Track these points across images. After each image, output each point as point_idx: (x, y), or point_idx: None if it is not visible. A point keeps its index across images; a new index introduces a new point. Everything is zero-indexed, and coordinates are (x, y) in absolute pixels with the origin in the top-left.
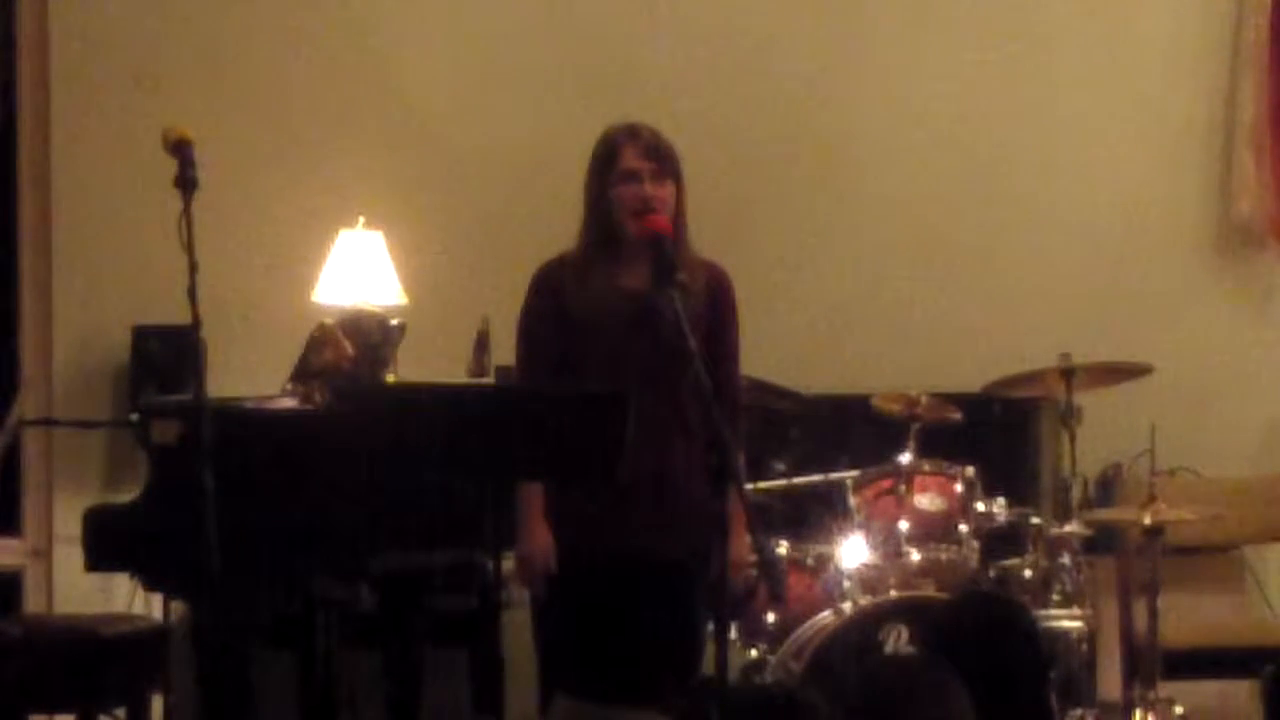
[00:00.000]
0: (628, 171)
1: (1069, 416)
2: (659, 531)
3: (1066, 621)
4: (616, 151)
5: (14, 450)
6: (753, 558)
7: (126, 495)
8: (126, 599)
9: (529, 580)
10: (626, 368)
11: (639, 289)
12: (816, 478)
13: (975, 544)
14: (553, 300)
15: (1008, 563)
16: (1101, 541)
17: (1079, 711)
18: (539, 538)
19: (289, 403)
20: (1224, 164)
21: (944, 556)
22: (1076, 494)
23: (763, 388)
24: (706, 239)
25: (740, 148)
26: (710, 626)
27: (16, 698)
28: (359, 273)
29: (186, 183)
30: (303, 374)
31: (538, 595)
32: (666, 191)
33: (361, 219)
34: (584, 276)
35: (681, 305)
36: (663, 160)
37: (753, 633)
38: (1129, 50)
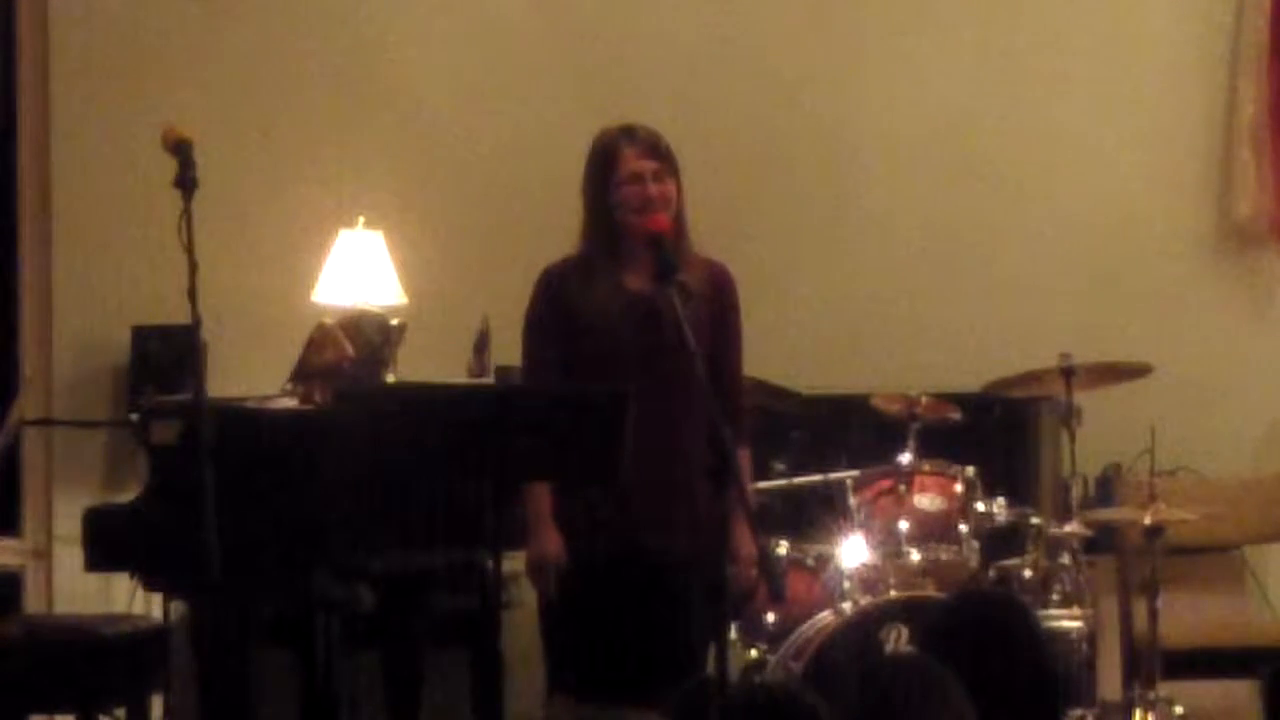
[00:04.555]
0: (631, 173)
1: (1069, 416)
2: (665, 532)
3: (1066, 621)
4: (616, 154)
5: (14, 450)
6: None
7: (126, 495)
8: (126, 599)
9: (541, 582)
10: (633, 368)
11: (644, 289)
12: (816, 478)
13: (975, 544)
14: (558, 302)
15: (1008, 563)
16: (1101, 541)
17: (1079, 711)
18: (549, 539)
19: (289, 403)
20: (1224, 164)
21: (944, 556)
22: (1076, 494)
23: (763, 388)
24: (706, 239)
25: (740, 148)
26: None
27: (16, 698)
28: (359, 273)
29: (186, 183)
30: (303, 374)
31: (551, 597)
32: (670, 189)
33: (361, 219)
34: (588, 279)
35: (681, 305)
36: (663, 159)
37: (753, 633)
38: (1129, 50)
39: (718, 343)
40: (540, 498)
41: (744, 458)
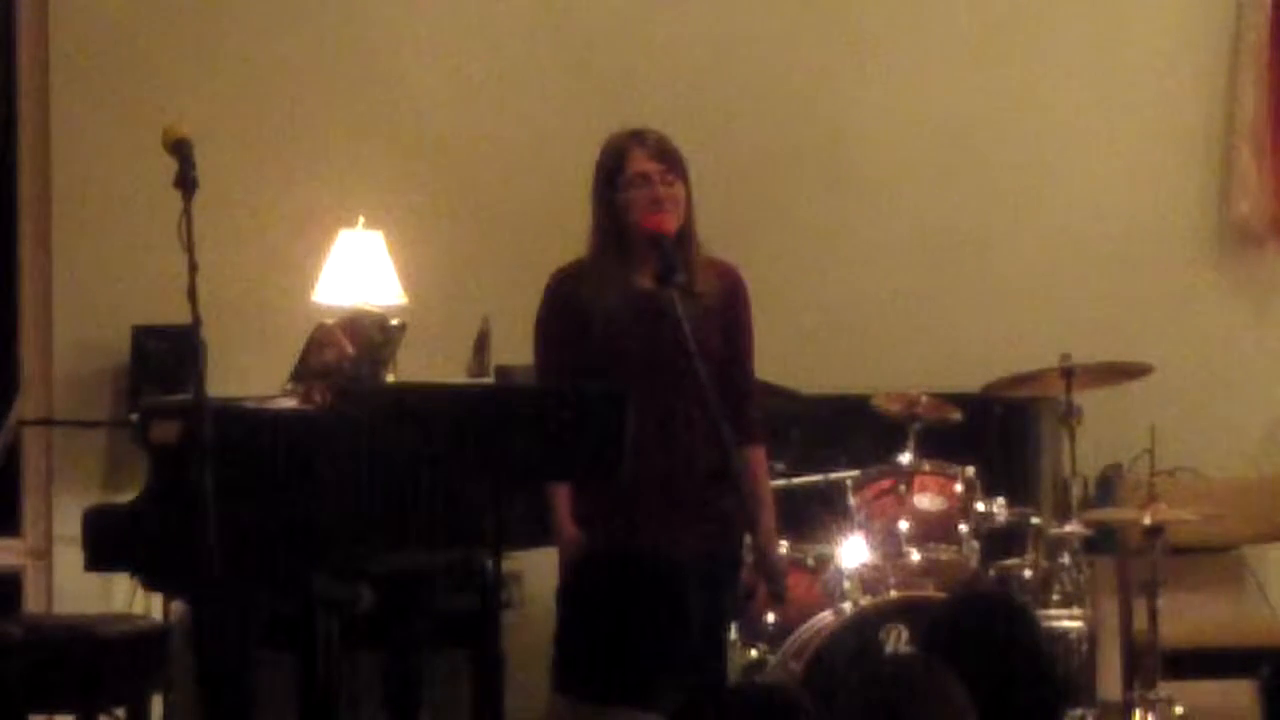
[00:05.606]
0: (639, 175)
1: (1069, 416)
2: (667, 533)
3: (1066, 621)
4: (624, 156)
5: (14, 450)
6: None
7: (126, 495)
8: (126, 599)
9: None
10: (640, 369)
11: (651, 290)
12: (816, 478)
13: (975, 544)
14: (568, 305)
15: (1008, 563)
16: (1101, 541)
17: (1079, 711)
18: (569, 534)
19: (289, 403)
20: (1224, 164)
21: (944, 556)
22: (1076, 494)
23: (763, 388)
24: (706, 239)
25: (740, 148)
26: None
27: (16, 698)
28: (359, 273)
29: (186, 183)
30: (303, 374)
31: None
32: (678, 191)
33: (361, 219)
34: (599, 281)
35: (681, 306)
36: (671, 161)
37: (753, 633)
38: (1129, 50)
39: (729, 344)
40: (559, 494)
41: (759, 455)
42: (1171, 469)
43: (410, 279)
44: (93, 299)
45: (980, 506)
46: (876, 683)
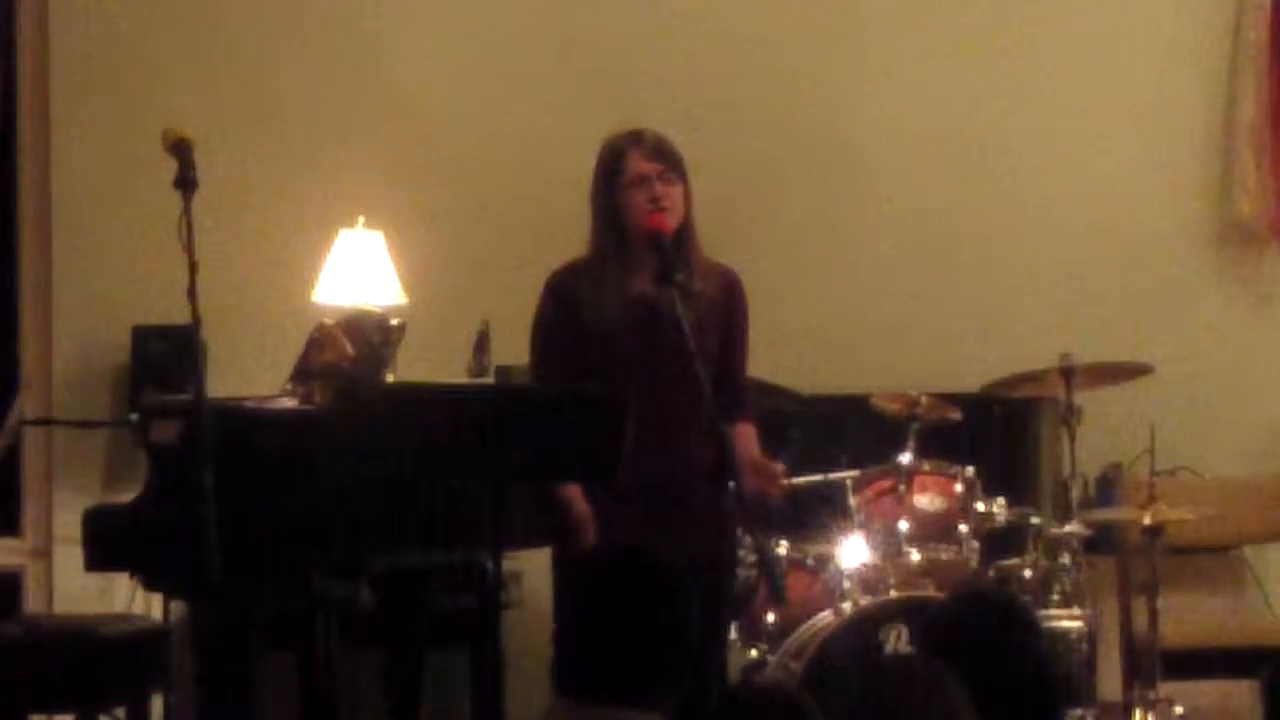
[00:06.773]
0: (637, 175)
1: (1069, 416)
2: (666, 533)
3: (1066, 621)
4: (623, 157)
5: (14, 450)
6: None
7: (126, 495)
8: (126, 599)
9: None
10: (637, 370)
11: (648, 292)
12: (816, 478)
13: (975, 544)
14: (565, 305)
15: (1008, 563)
16: (1101, 541)
17: (1079, 711)
18: (579, 510)
19: (289, 403)
20: (1224, 164)
21: (944, 556)
22: (1076, 494)
23: (763, 388)
24: (705, 240)
25: (740, 148)
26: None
27: (16, 698)
28: (359, 273)
29: (186, 183)
30: (303, 374)
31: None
32: (676, 191)
33: (361, 219)
34: (597, 283)
35: (680, 306)
36: (670, 160)
37: (753, 633)
38: (1129, 50)
39: (725, 346)
40: (570, 491)
41: (748, 430)
42: (1171, 469)
43: (410, 279)
44: (93, 299)
45: (980, 506)
46: (876, 682)
